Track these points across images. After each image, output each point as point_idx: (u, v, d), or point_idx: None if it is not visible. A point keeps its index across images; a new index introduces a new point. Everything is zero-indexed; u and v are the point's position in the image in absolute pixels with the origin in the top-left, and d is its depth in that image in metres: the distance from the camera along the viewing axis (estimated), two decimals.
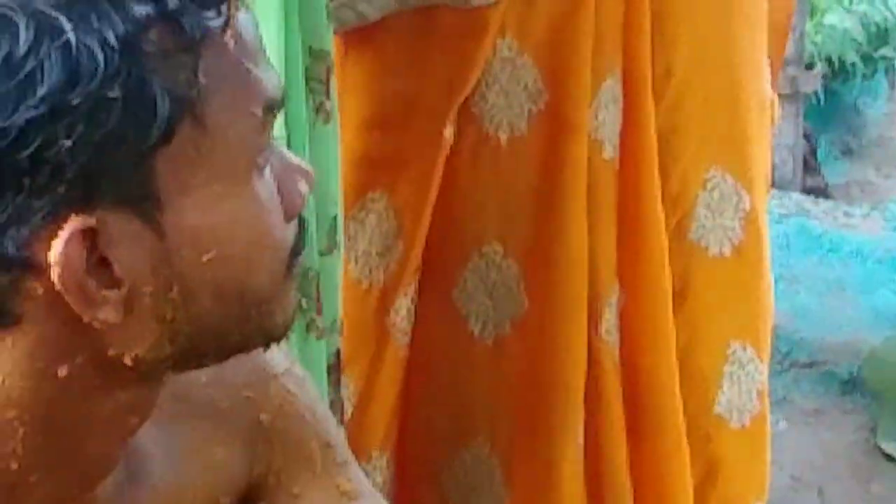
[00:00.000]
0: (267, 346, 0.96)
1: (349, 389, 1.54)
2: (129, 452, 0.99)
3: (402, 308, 1.54)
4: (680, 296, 1.55)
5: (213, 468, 1.10)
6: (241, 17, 0.90)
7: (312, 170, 0.93)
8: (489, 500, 1.56)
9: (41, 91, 0.80)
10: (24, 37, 0.81)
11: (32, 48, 0.81)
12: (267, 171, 0.88)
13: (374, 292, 1.52)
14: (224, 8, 0.86)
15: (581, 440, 1.50)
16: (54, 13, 0.82)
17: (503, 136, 1.50)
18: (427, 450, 1.60)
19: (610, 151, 1.49)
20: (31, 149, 0.80)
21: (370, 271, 1.54)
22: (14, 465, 0.91)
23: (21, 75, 0.80)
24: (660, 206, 1.50)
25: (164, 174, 0.84)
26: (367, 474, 1.37)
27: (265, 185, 0.88)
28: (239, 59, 0.87)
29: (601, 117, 1.49)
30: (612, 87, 1.49)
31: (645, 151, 1.50)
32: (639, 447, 1.54)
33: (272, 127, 0.89)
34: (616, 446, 1.52)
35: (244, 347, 0.95)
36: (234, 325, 0.92)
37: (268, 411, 1.09)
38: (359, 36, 1.51)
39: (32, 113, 0.80)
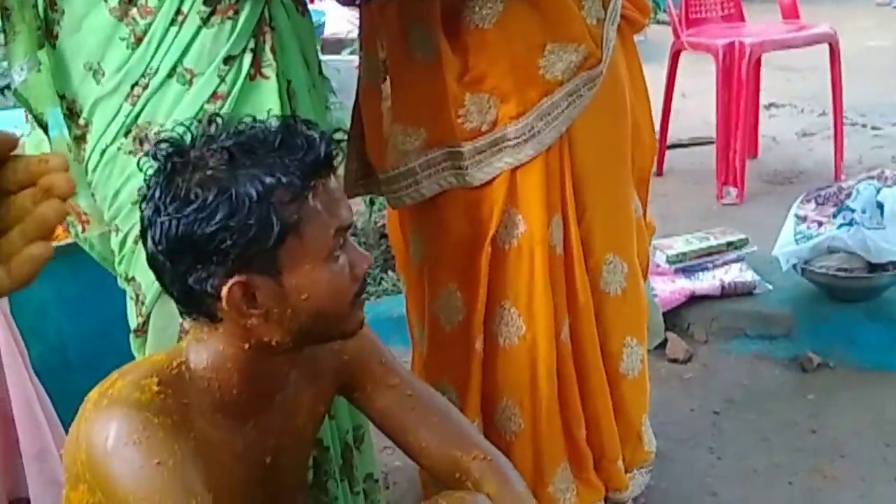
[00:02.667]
0: (344, 338, 1.65)
1: None
2: (292, 377, 1.67)
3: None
4: (597, 318, 2.41)
5: (322, 382, 1.76)
6: (327, 181, 1.52)
7: (370, 256, 1.59)
8: None
9: (217, 217, 1.45)
10: (213, 193, 1.45)
11: (216, 198, 1.44)
12: (342, 257, 1.54)
13: None
14: (315, 180, 1.49)
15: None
16: (226, 182, 1.45)
17: (508, 248, 2.27)
18: None
19: (559, 250, 2.32)
20: (215, 244, 1.45)
21: None
22: (235, 391, 1.58)
23: (208, 210, 1.44)
24: (584, 275, 2.36)
25: (281, 258, 1.48)
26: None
27: (339, 263, 1.53)
28: (323, 203, 1.50)
29: (554, 234, 2.29)
30: (558, 221, 2.30)
31: (575, 251, 2.33)
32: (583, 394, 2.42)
33: (343, 236, 1.53)
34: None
35: (332, 338, 1.64)
36: (321, 329, 1.57)
37: (347, 353, 1.77)
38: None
39: (214, 228, 1.45)
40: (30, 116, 2.07)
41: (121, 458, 1.46)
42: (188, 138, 1.53)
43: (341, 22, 7.21)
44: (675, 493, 2.78)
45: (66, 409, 2.45)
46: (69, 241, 2.69)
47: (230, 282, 1.48)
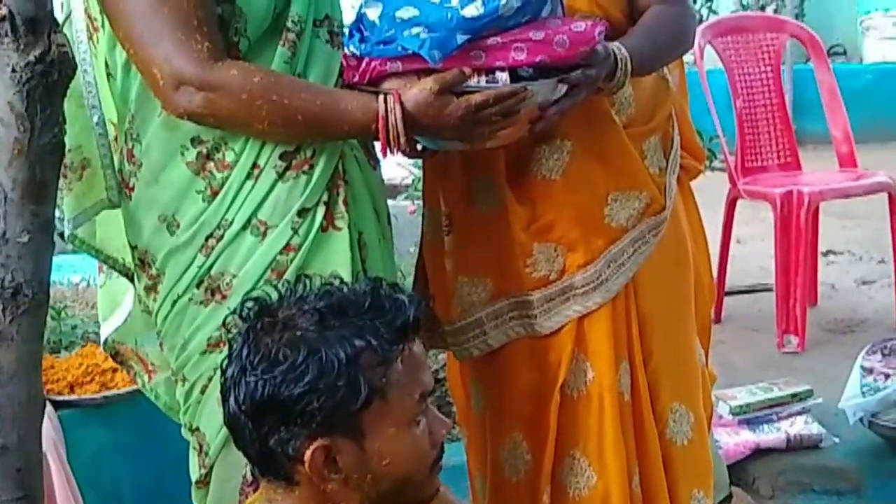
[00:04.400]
0: None
1: None
2: None
3: None
4: (664, 467, 2.34)
5: None
6: (413, 345, 1.56)
7: (449, 422, 1.62)
8: None
9: (306, 378, 1.47)
10: (302, 354, 1.47)
11: (305, 359, 1.47)
12: (423, 421, 1.55)
13: None
14: (403, 344, 1.54)
15: None
16: (316, 343, 1.48)
17: (577, 396, 2.25)
18: None
19: (627, 397, 2.28)
20: (301, 405, 1.45)
21: None
22: None
23: (297, 371, 1.46)
24: (652, 422, 2.31)
25: (366, 421, 1.49)
26: None
27: (420, 429, 1.54)
28: (409, 368, 1.53)
29: (622, 381, 2.27)
30: (626, 367, 2.28)
31: (643, 397, 2.30)
32: None
33: (425, 401, 1.57)
34: None
35: None
36: (399, 495, 1.56)
37: None
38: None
39: (302, 389, 1.46)
40: (104, 266, 2.10)
41: None
42: (275, 297, 1.54)
43: (395, 168, 7.29)
44: None
45: None
46: (127, 389, 2.72)
47: (313, 445, 1.47)
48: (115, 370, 2.80)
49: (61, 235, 4.58)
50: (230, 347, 1.55)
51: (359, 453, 1.50)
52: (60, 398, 2.75)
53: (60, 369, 2.83)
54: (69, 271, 4.20)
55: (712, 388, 2.71)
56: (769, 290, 4.81)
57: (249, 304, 1.55)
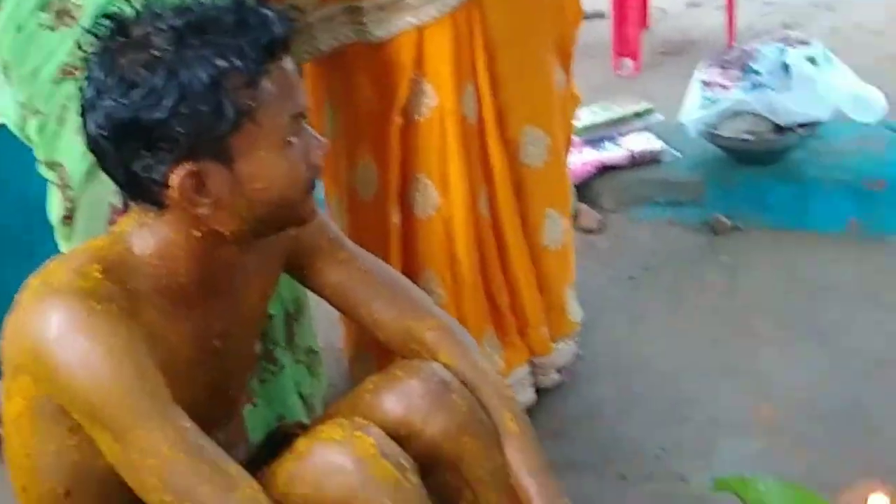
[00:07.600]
0: (297, 226, 1.61)
1: None
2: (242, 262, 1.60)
3: None
4: (518, 189, 2.42)
5: (271, 262, 1.71)
6: (284, 63, 1.47)
7: (327, 142, 1.56)
8: None
9: (165, 103, 1.39)
10: (160, 77, 1.38)
11: (164, 83, 1.39)
12: (298, 143, 1.48)
13: None
14: (272, 63, 1.44)
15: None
16: (175, 65, 1.39)
17: (420, 119, 2.27)
18: None
19: (472, 121, 2.30)
20: (164, 130, 1.39)
21: None
22: (182, 279, 1.53)
23: (155, 96, 1.38)
24: (499, 146, 2.34)
25: (236, 145, 1.43)
26: None
27: (293, 150, 1.48)
28: (280, 88, 1.45)
29: (467, 105, 2.28)
30: (471, 91, 2.29)
31: (488, 121, 2.32)
32: (504, 262, 2.45)
33: (299, 122, 1.48)
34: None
35: (286, 226, 1.59)
36: (276, 217, 1.53)
37: (295, 230, 1.66)
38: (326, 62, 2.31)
39: (163, 114, 1.39)
40: None
41: (66, 347, 1.41)
42: (132, 14, 1.44)
43: None
44: (601, 360, 2.81)
45: None
46: None
47: (180, 170, 1.41)
48: None
49: None
50: (87, 69, 1.45)
51: (229, 177, 1.45)
52: None
53: None
54: None
55: (575, 109, 2.72)
56: (602, 16, 4.85)
57: (104, 21, 1.46)
